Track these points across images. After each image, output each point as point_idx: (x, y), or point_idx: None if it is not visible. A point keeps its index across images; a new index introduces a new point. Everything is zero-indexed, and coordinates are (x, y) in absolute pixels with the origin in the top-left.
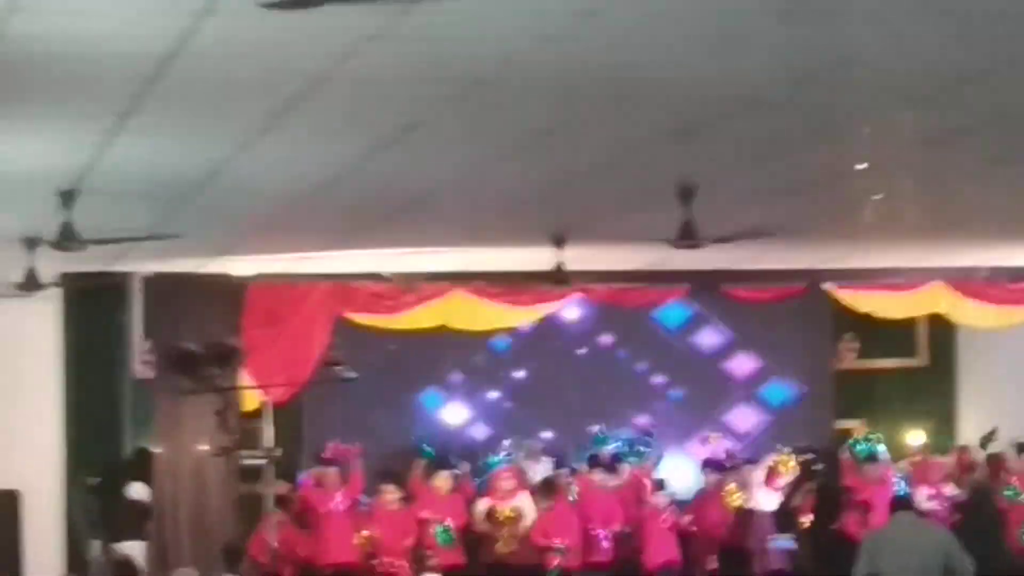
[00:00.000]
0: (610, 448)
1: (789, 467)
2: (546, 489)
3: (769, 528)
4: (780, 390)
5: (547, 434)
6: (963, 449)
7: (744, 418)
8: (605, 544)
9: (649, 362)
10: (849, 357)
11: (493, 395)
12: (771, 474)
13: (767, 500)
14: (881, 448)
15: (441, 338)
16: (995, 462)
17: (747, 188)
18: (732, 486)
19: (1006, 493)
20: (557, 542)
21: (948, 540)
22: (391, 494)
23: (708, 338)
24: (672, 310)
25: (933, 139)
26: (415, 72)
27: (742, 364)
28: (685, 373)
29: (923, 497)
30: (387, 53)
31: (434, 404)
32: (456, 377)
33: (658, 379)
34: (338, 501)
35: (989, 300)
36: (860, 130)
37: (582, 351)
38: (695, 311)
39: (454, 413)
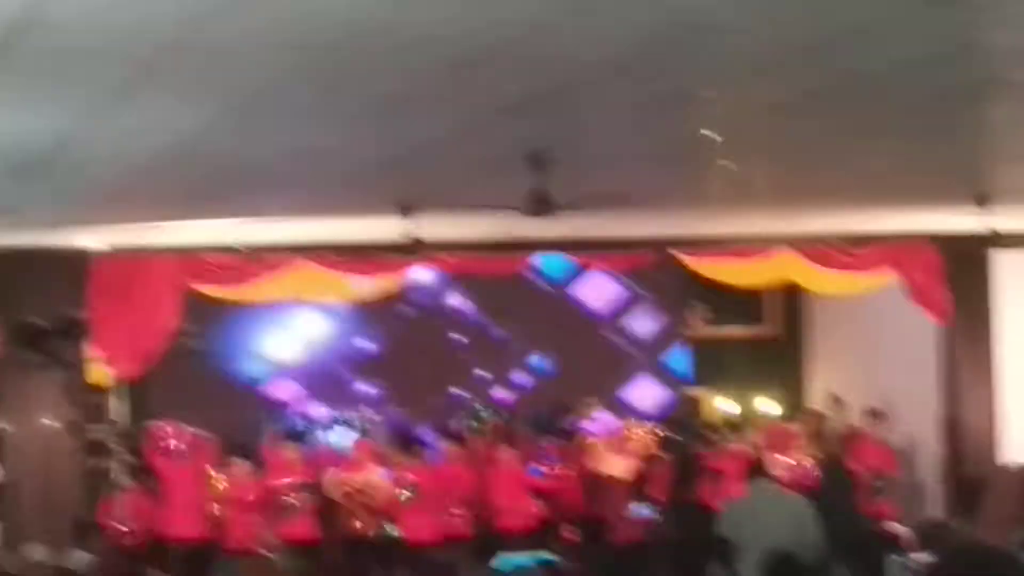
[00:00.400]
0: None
1: (638, 435)
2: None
3: (622, 497)
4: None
5: (397, 406)
6: (813, 414)
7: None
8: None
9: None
10: (699, 325)
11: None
12: (620, 441)
13: (616, 467)
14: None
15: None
16: (851, 434)
17: (598, 156)
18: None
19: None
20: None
21: (803, 508)
22: (240, 467)
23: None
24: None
25: (783, 106)
26: (265, 40)
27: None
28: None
29: (777, 464)
30: (236, 21)
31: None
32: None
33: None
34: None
35: (837, 267)
36: (711, 97)
37: (435, 318)
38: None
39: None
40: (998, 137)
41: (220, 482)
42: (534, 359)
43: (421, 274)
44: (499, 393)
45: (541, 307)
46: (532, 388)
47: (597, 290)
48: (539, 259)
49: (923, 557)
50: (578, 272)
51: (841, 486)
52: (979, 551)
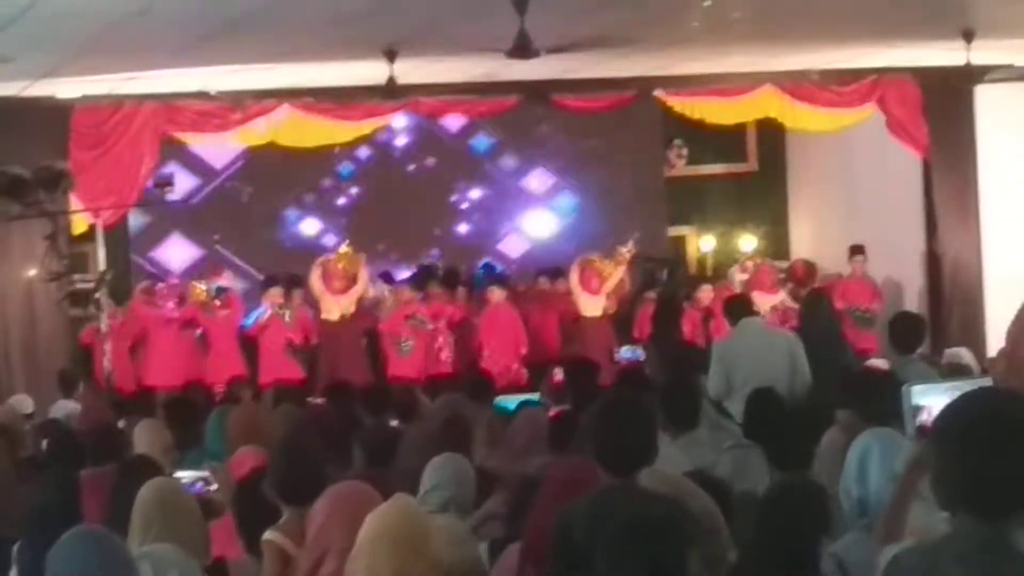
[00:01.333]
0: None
1: (608, 271)
2: None
3: (605, 338)
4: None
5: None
6: (803, 262)
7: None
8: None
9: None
10: (679, 164)
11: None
12: (587, 277)
13: (590, 305)
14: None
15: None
16: (807, 267)
17: None
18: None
19: (855, 315)
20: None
21: (793, 343)
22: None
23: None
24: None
25: None
26: None
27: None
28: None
29: (760, 301)
30: None
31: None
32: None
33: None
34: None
35: (819, 103)
36: None
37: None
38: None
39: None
40: None
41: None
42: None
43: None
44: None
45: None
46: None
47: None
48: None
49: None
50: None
51: (825, 323)
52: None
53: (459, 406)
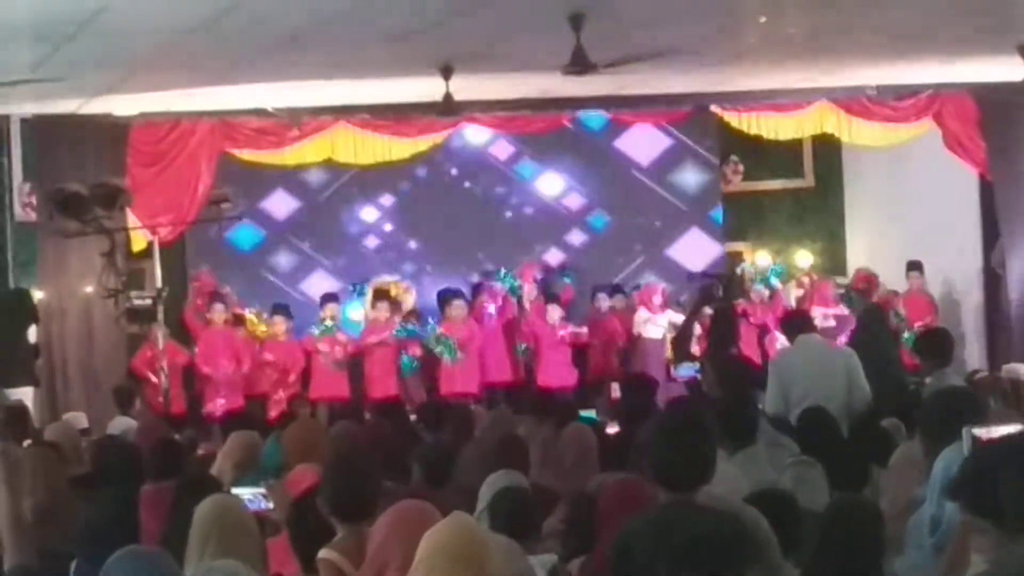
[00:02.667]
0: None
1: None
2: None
3: (663, 357)
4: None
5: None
6: (863, 271)
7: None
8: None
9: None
10: (735, 179)
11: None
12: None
13: (653, 328)
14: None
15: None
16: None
17: (636, 12)
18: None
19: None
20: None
21: (850, 361)
22: (279, 325)
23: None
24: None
25: None
26: None
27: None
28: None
29: (818, 316)
30: None
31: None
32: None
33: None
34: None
35: (875, 118)
36: None
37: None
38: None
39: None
40: None
41: (260, 327)
42: (590, 216)
43: (463, 135)
44: (551, 254)
45: (586, 160)
46: (585, 247)
47: (642, 143)
48: (580, 115)
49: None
50: (619, 127)
51: (881, 339)
52: None
53: (511, 422)
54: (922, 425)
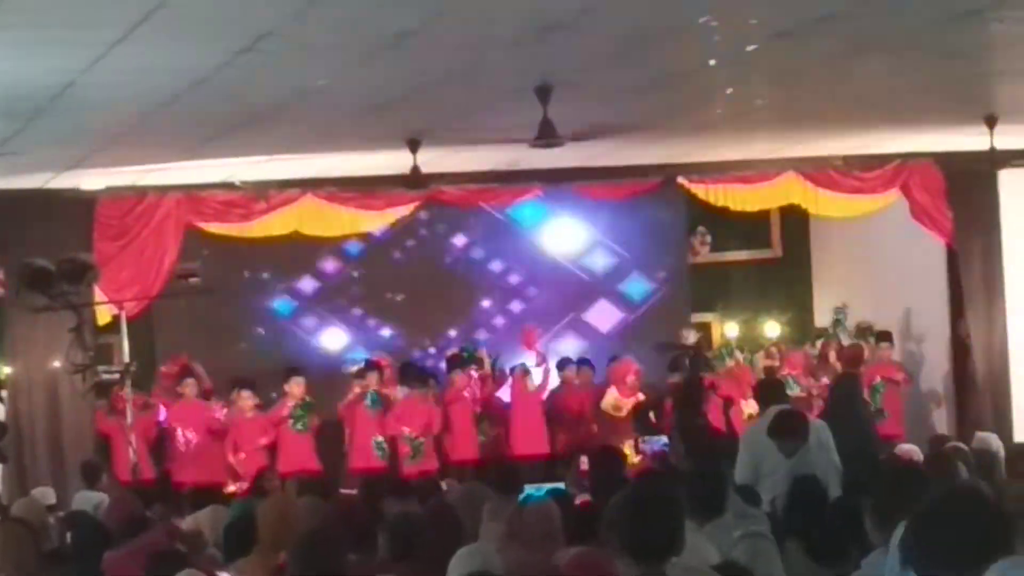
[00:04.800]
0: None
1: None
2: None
3: (630, 428)
4: (640, 286)
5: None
6: (827, 340)
7: (605, 315)
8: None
9: (504, 262)
10: (703, 250)
11: (344, 302)
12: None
13: (616, 400)
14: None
15: (291, 245)
16: (854, 351)
17: (602, 85)
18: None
19: (876, 385)
20: (407, 430)
21: (822, 431)
22: (247, 400)
23: (564, 235)
24: (527, 208)
25: (788, 30)
26: None
27: (599, 261)
28: (541, 272)
29: (792, 387)
30: None
31: (287, 312)
32: (308, 284)
33: (514, 279)
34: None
35: (842, 190)
36: (714, 25)
37: (436, 254)
38: (550, 207)
39: (308, 322)
40: (1005, 56)
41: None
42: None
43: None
44: (499, 322)
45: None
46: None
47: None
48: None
49: None
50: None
51: (856, 409)
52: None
53: (478, 495)
54: (874, 503)
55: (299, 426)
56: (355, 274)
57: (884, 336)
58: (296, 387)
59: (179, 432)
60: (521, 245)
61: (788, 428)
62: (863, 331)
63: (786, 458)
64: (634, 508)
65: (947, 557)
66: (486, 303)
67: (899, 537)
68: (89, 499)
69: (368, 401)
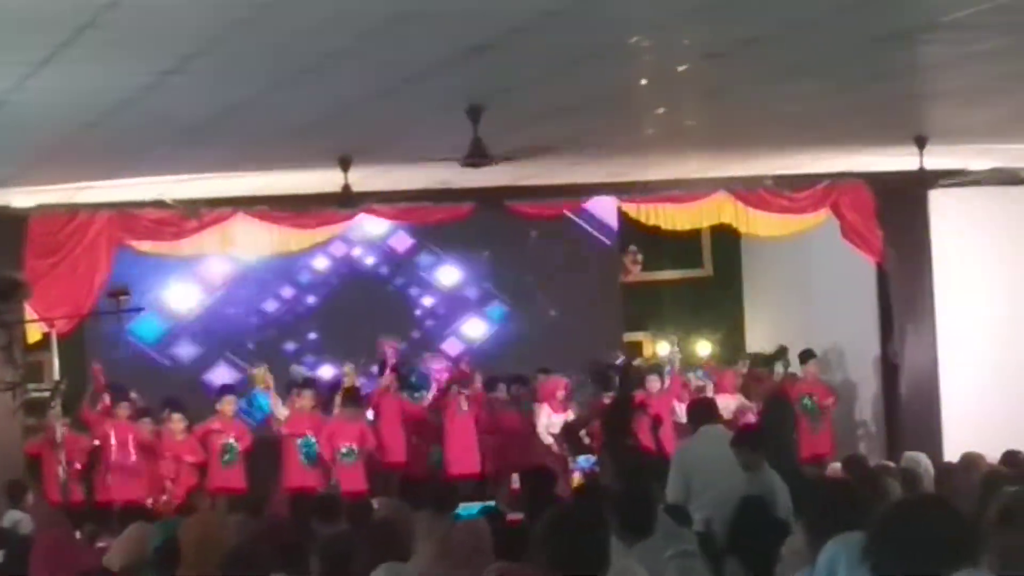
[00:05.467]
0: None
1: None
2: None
3: (559, 444)
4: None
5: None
6: (754, 363)
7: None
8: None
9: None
10: (634, 269)
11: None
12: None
13: (552, 423)
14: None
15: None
16: (789, 380)
17: (534, 105)
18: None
19: (805, 402)
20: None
21: None
22: (178, 422)
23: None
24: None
25: (718, 51)
26: None
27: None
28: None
29: (722, 406)
30: None
31: None
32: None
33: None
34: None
35: (773, 209)
36: (645, 45)
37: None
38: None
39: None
40: (933, 78)
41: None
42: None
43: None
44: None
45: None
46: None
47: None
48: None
49: None
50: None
51: (785, 427)
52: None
53: (398, 511)
54: (805, 518)
55: (227, 458)
56: (286, 295)
57: (808, 355)
58: (228, 405)
59: (111, 451)
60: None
61: (752, 441)
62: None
63: (744, 471)
64: (560, 527)
65: (912, 560)
66: (415, 323)
67: (827, 554)
68: (12, 518)
69: (303, 457)
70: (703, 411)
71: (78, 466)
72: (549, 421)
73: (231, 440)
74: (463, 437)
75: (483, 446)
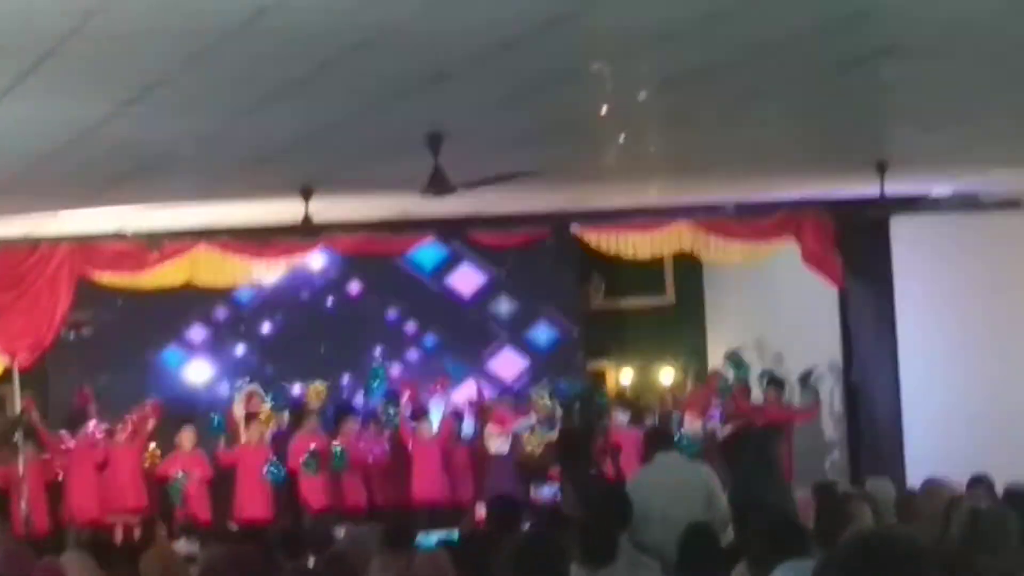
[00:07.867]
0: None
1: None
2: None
3: (508, 473)
4: (544, 333)
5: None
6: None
7: (508, 363)
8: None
9: (401, 308)
10: (597, 297)
11: (239, 350)
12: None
13: (498, 444)
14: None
15: (181, 293)
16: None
17: (494, 133)
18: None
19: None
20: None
21: (708, 478)
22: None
23: (465, 280)
24: (426, 252)
25: (679, 79)
26: (157, 27)
27: (502, 306)
28: (441, 318)
29: (689, 425)
30: (131, 8)
31: (176, 362)
32: (198, 333)
33: (411, 326)
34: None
35: (734, 236)
36: (606, 72)
37: (330, 301)
38: (450, 252)
39: (198, 370)
40: (894, 102)
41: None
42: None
43: (318, 254)
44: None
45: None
46: (420, 364)
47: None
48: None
49: None
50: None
51: (757, 447)
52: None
53: (359, 543)
54: (749, 550)
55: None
56: (243, 326)
57: (771, 380)
58: (186, 439)
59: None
60: (419, 290)
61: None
62: (772, 380)
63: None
64: (520, 557)
65: None
66: (380, 348)
67: None
68: None
69: (269, 476)
70: (658, 438)
71: (43, 496)
72: (498, 436)
73: (184, 473)
74: (429, 464)
75: (450, 473)
